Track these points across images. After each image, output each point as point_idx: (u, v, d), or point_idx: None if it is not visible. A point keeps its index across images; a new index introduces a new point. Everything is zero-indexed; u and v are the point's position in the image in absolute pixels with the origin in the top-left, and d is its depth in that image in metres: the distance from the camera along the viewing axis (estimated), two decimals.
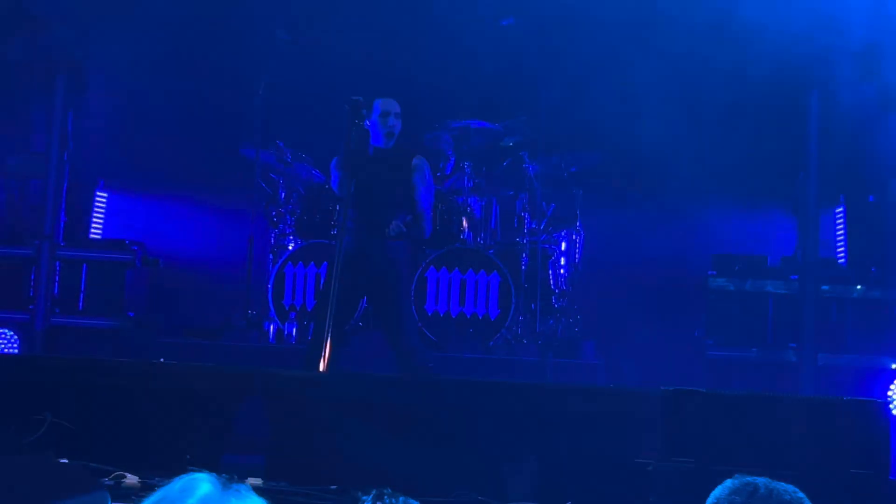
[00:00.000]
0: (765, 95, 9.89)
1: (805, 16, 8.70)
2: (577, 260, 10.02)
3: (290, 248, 9.80)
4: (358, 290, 7.51)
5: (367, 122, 7.41)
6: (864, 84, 9.17)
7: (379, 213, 7.46)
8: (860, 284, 9.04)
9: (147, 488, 5.19)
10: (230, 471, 5.87)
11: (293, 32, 9.85)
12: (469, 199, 9.71)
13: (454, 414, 6.02)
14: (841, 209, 9.86)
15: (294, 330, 9.22)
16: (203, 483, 2.16)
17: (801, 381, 8.76)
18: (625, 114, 10.84)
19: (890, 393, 8.60)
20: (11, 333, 9.28)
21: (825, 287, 8.97)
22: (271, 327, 9.39)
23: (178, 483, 2.16)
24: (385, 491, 2.45)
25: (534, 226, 9.77)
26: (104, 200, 10.61)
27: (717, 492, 2.84)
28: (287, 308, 9.44)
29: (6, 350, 9.17)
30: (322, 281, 9.06)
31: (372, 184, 7.39)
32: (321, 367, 6.72)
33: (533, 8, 10.21)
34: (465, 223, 9.61)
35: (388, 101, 7.52)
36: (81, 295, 9.51)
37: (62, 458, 5.46)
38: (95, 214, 10.54)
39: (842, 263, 9.59)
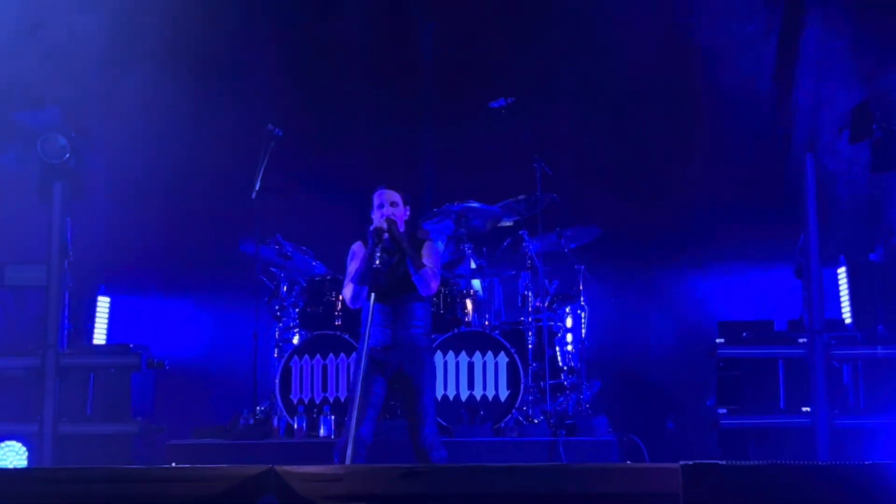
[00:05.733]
0: (763, 158, 9.98)
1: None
2: (583, 336, 10.00)
3: (295, 341, 9.79)
4: (384, 381, 7.42)
5: (371, 214, 7.42)
6: (857, 145, 9.24)
7: (402, 305, 7.40)
8: (869, 345, 9.00)
9: None
10: None
11: (282, 126, 9.92)
12: (471, 282, 9.71)
13: (472, 502, 5.95)
14: (843, 268, 9.86)
15: (304, 424, 9.16)
16: None
17: (818, 446, 8.68)
18: (623, 185, 10.93)
19: None
20: (20, 445, 9.21)
21: (834, 349, 8.92)
22: (281, 422, 9.34)
23: None
24: None
25: (538, 304, 9.76)
26: (106, 305, 10.60)
27: None
28: (295, 402, 9.40)
29: (16, 463, 9.09)
30: (332, 372, 9.06)
31: (390, 276, 7.36)
32: (347, 461, 6.77)
33: (530, 89, 10.33)
34: (469, 306, 9.60)
35: (380, 191, 7.48)
36: (88, 402, 9.47)
37: None
38: (98, 319, 10.52)
39: (849, 325, 9.56)
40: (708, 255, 11.05)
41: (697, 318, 10.82)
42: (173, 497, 5.97)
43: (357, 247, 7.54)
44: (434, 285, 7.37)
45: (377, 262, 7.20)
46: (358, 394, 6.99)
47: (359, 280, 7.30)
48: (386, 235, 7.27)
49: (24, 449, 9.22)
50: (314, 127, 11.16)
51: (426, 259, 7.38)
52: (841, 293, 9.88)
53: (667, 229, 10.99)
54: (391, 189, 7.46)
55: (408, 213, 7.53)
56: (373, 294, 7.20)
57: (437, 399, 7.72)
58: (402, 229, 7.40)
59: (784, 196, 9.73)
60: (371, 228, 7.32)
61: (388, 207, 7.40)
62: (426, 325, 7.50)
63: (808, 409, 8.85)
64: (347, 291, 7.41)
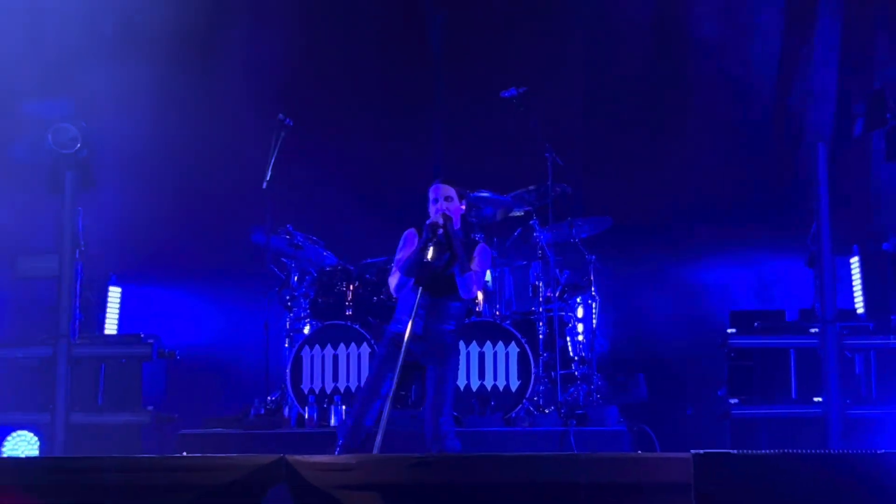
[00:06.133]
0: (773, 148, 9.95)
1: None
2: (594, 326, 9.98)
3: (306, 331, 9.79)
4: (409, 368, 7.43)
5: (428, 209, 7.43)
6: (871, 133, 9.21)
7: (442, 301, 7.40)
8: (882, 334, 8.97)
9: None
10: None
11: (293, 116, 9.91)
12: None
13: (481, 491, 5.94)
14: (855, 258, 9.83)
15: (315, 414, 9.17)
16: None
17: (830, 436, 8.66)
18: (633, 175, 10.90)
19: None
20: (32, 435, 9.24)
21: (846, 339, 8.90)
22: (292, 412, 9.35)
23: None
24: None
25: (549, 294, 9.74)
26: (118, 295, 10.61)
27: None
28: (306, 392, 9.40)
29: (28, 452, 9.11)
30: (342, 362, 9.06)
31: (436, 272, 7.35)
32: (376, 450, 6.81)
33: (541, 79, 10.31)
34: (479, 296, 9.59)
35: (435, 186, 7.47)
36: (100, 391, 9.48)
37: None
38: (109, 309, 10.54)
39: (861, 315, 9.53)
40: (719, 245, 11.02)
41: (709, 308, 10.80)
42: (184, 486, 5.98)
43: (410, 234, 7.54)
44: (475, 290, 7.38)
45: (429, 256, 7.21)
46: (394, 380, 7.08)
47: (407, 271, 7.31)
48: (440, 231, 7.26)
49: (36, 438, 9.24)
50: (324, 117, 11.16)
51: (475, 263, 7.39)
52: (853, 283, 9.85)
53: (678, 219, 10.97)
54: (447, 183, 7.46)
55: (463, 207, 7.52)
56: (420, 287, 7.23)
57: (457, 390, 7.70)
58: (457, 226, 7.41)
59: (796, 185, 9.70)
60: (427, 222, 7.32)
61: (443, 202, 7.40)
62: (458, 325, 7.51)
63: (820, 398, 8.83)
64: (393, 280, 7.42)
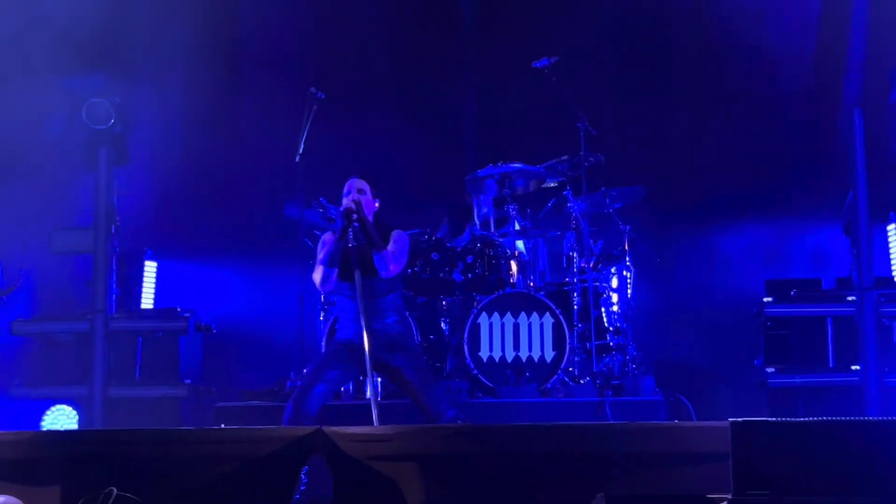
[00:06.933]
0: (811, 116, 9.86)
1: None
2: (629, 296, 9.95)
3: None
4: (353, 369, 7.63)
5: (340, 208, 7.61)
6: None
7: (375, 300, 7.57)
8: None
9: None
10: None
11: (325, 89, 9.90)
12: (515, 242, 9.69)
13: (516, 461, 5.95)
14: (892, 225, 9.75)
15: (350, 386, 9.20)
16: None
17: (867, 404, 8.61)
18: (667, 144, 10.84)
19: None
20: (70, 409, 9.32)
21: (884, 307, 8.83)
22: None
23: None
24: None
25: (583, 264, 9.72)
26: (153, 270, 10.67)
27: None
28: None
29: (67, 426, 9.19)
30: None
31: (362, 261, 7.52)
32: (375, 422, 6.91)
33: (573, 48, 10.25)
34: (513, 267, 9.58)
35: (350, 180, 7.69)
36: (137, 365, 9.55)
37: None
38: (145, 284, 10.59)
39: None
40: (755, 214, 10.95)
41: (744, 277, 10.74)
42: (223, 457, 6.03)
43: (327, 236, 7.73)
44: (393, 268, 7.53)
45: (350, 242, 7.41)
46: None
47: (329, 260, 7.48)
48: (355, 216, 7.45)
49: (75, 412, 9.32)
50: (357, 89, 11.14)
51: (391, 245, 7.56)
52: (891, 250, 9.77)
53: (712, 188, 10.90)
54: (360, 178, 7.67)
55: (377, 204, 7.71)
56: (356, 270, 7.43)
57: (430, 377, 7.77)
58: (369, 218, 7.56)
59: (833, 153, 9.61)
60: (340, 209, 7.53)
61: (356, 194, 7.59)
62: (401, 316, 7.74)
63: (857, 367, 8.78)
64: (317, 275, 7.58)
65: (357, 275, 7.45)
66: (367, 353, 7.31)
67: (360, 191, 7.63)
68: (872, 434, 5.12)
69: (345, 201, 7.60)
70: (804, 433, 5.04)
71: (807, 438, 4.99)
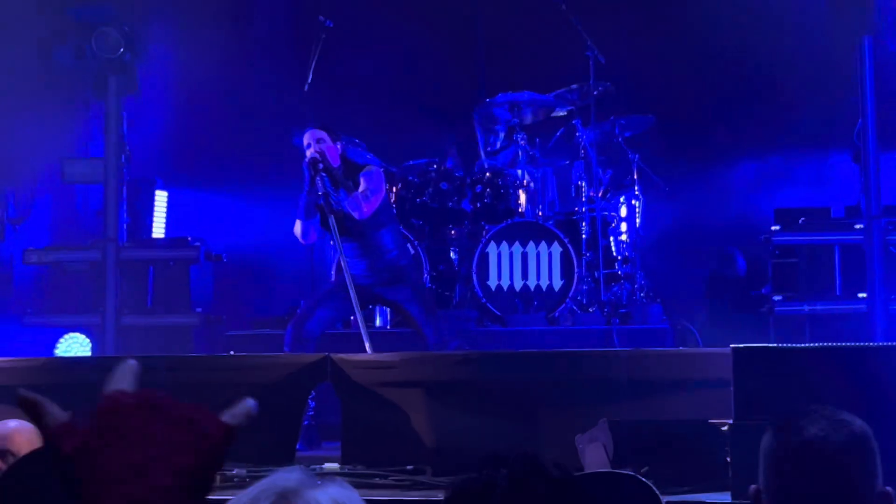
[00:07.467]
0: (822, 43, 9.78)
1: None
2: (637, 225, 9.97)
3: None
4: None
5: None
6: None
7: (365, 239, 7.59)
8: None
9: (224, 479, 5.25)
10: (305, 458, 5.93)
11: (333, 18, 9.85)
12: (524, 171, 9.69)
13: (525, 387, 6.03)
14: None
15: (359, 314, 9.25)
16: (295, 476, 2.05)
17: (873, 331, 8.64)
18: (676, 72, 10.78)
19: None
20: (84, 337, 9.41)
21: (891, 235, 8.84)
22: None
23: (272, 479, 2.05)
24: None
25: (591, 194, 9.73)
26: (164, 199, 10.71)
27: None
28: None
29: (80, 354, 9.30)
30: None
31: (329, 201, 7.56)
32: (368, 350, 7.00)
33: None
34: (522, 196, 9.59)
35: (306, 132, 7.67)
36: (149, 294, 9.63)
37: None
38: (156, 213, 10.64)
39: None
40: (764, 142, 10.92)
41: (753, 206, 10.74)
42: (233, 384, 6.11)
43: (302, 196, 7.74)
44: (367, 208, 7.47)
45: (321, 191, 7.44)
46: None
47: (306, 213, 7.53)
48: (321, 165, 7.47)
49: (88, 340, 9.42)
50: (365, 17, 11.08)
51: (361, 184, 7.52)
52: None
53: (722, 116, 10.86)
54: (316, 128, 7.65)
55: (339, 147, 7.68)
56: (331, 216, 7.43)
57: (433, 309, 7.82)
58: (336, 163, 7.56)
59: (843, 80, 9.55)
60: (305, 161, 7.54)
61: (316, 145, 7.58)
62: (401, 250, 7.79)
63: (864, 294, 8.81)
64: (297, 228, 7.64)
65: (331, 220, 7.43)
66: (353, 298, 7.26)
67: (319, 140, 7.61)
68: (874, 359, 5.16)
69: (308, 153, 7.59)
70: (805, 359, 5.08)
71: (808, 364, 5.02)
